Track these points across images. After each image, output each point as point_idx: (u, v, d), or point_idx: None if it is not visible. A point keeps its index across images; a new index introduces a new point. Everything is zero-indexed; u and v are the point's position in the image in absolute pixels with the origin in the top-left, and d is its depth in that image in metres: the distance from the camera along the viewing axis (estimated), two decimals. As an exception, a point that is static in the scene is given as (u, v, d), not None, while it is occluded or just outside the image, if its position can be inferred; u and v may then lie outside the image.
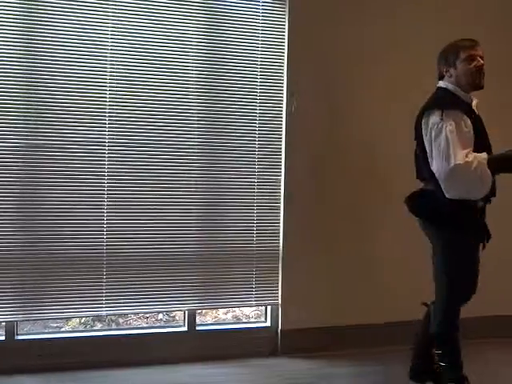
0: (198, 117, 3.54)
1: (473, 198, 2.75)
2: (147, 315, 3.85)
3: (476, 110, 2.87)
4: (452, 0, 3.98)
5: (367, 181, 3.84)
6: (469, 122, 2.72)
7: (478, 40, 2.88)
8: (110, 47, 3.37)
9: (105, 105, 3.37)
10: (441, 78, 2.93)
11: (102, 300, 3.39)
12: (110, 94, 3.37)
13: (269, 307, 3.78)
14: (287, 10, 3.68)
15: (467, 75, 2.79)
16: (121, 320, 3.80)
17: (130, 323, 3.85)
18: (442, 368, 2.98)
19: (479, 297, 2.96)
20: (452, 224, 2.83)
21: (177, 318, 3.83)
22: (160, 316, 3.90)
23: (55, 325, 3.82)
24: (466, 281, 2.89)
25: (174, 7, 3.48)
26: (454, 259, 2.86)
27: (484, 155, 2.71)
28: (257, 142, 3.67)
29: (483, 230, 2.89)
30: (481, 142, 2.77)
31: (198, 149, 3.55)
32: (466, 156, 2.65)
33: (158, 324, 3.89)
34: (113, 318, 3.71)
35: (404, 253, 3.90)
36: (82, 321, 3.74)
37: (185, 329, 3.63)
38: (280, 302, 3.72)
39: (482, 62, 2.78)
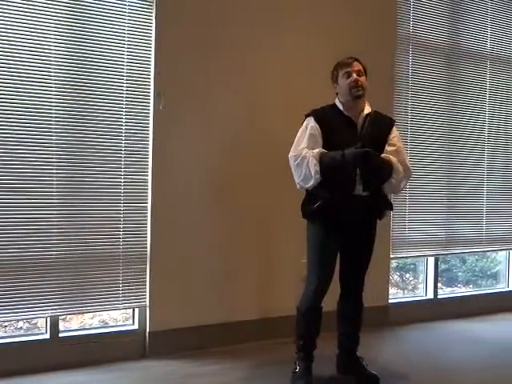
0: (58, 114, 3.40)
1: (307, 186, 3.13)
2: (5, 324, 3.62)
3: (362, 120, 3.18)
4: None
5: (237, 177, 3.92)
6: (316, 126, 3.15)
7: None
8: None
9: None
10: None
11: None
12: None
13: (136, 310, 3.73)
14: (154, 8, 3.65)
15: (345, 89, 3.18)
16: (-25, 330, 3.56)
17: (-14, 333, 3.61)
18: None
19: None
20: (305, 213, 3.22)
21: (39, 325, 3.65)
22: (20, 324, 3.70)
23: None
24: (314, 265, 3.23)
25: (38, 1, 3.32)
26: (307, 245, 3.26)
27: (317, 151, 3.08)
28: (123, 143, 3.60)
29: (332, 219, 3.15)
30: (338, 143, 3.09)
31: (59, 147, 3.41)
32: (301, 150, 3.10)
33: (18, 333, 3.68)
34: (-34, 328, 3.47)
35: (269, 252, 4.04)
36: None
37: (47, 336, 3.49)
38: (148, 303, 3.68)
39: (355, 76, 3.15)
